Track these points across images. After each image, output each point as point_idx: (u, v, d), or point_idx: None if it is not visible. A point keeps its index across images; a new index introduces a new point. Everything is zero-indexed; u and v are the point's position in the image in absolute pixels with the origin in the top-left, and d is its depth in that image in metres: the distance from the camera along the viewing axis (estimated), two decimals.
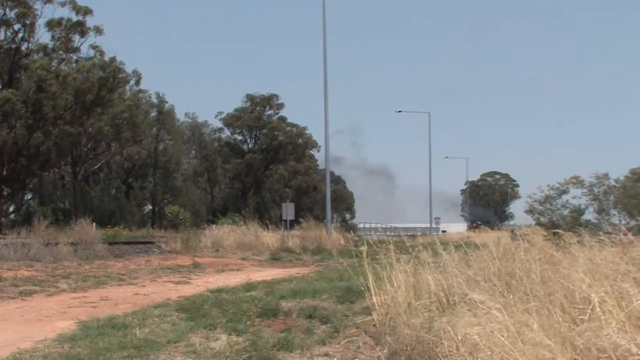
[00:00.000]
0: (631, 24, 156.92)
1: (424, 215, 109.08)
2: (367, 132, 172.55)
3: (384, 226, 70.95)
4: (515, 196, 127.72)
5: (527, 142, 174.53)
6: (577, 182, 20.33)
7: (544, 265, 8.50)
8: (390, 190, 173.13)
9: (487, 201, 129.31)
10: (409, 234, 57.99)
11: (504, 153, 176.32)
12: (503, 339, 5.60)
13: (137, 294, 15.76)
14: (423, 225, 76.25)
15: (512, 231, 22.43)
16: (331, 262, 26.51)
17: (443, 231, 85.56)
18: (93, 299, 14.59)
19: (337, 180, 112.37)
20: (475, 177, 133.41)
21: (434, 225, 73.80)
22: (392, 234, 60.78)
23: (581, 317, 6.11)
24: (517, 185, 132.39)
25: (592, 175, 20.39)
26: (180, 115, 77.29)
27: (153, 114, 67.39)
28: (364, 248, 10.35)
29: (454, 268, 9.17)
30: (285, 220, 38.95)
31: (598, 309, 6.06)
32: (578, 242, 9.00)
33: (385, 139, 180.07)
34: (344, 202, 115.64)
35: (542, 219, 21.03)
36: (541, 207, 21.10)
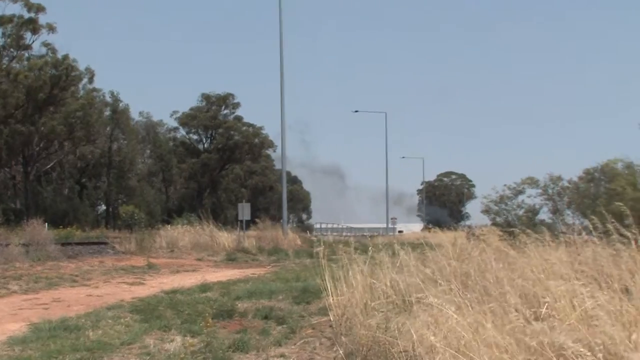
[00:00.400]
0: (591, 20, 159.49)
1: (377, 215, 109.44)
2: (317, 131, 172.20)
3: (340, 226, 71.15)
4: (471, 196, 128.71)
5: (483, 143, 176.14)
6: (532, 182, 20.63)
7: (499, 265, 8.59)
8: (341, 190, 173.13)
9: (444, 201, 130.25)
10: (365, 234, 58.25)
11: (460, 153, 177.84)
12: (458, 339, 5.64)
13: (90, 295, 15.59)
14: (380, 226, 76.59)
15: (468, 231, 22.64)
16: (287, 263, 26.55)
17: (399, 231, 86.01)
18: (45, 301, 14.40)
19: (293, 181, 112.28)
20: (431, 177, 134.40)
21: (390, 226, 74.15)
22: (349, 234, 60.97)
23: (535, 316, 6.18)
24: (474, 186, 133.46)
25: (545, 176, 20.76)
26: (134, 115, 76.56)
27: (107, 112, 66.62)
28: (320, 248, 10.37)
29: (410, 268, 9.21)
30: (241, 221, 38.79)
31: (547, 310, 6.13)
32: (532, 242, 9.11)
33: (336, 138, 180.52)
34: (300, 202, 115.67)
35: (497, 219, 21.28)
36: (497, 207, 21.35)
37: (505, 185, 21.80)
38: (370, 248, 10.01)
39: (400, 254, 9.75)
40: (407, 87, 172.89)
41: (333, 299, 9.62)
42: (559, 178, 19.73)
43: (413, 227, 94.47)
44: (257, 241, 35.45)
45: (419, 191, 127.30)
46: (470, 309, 6.40)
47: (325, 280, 9.86)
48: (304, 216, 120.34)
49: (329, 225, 68.89)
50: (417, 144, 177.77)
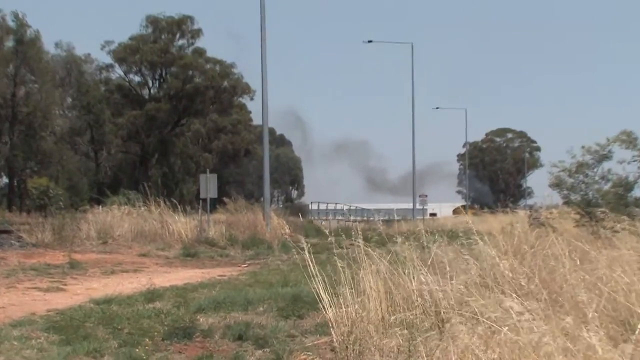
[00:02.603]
0: None
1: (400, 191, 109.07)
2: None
3: (346, 208, 71.02)
4: (535, 164, 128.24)
5: (551, 91, 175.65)
6: (627, 140, 20.09)
7: (575, 263, 8.60)
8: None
9: (495, 171, 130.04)
10: (383, 218, 58.18)
11: (518, 105, 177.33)
12: None
13: None
14: (403, 206, 76.56)
15: (531, 214, 22.59)
16: (271, 260, 26.60)
17: (432, 214, 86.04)
18: None
19: (279, 142, 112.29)
20: (478, 136, 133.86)
21: (418, 207, 73.76)
22: (359, 218, 60.98)
23: (625, 336, 6.19)
24: (538, 149, 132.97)
25: None
26: (49, 47, 76.26)
27: (9, 43, 66.32)
28: (317, 240, 10.39)
29: (447, 267, 9.23)
30: (205, 200, 38.76)
31: None
32: (623, 229, 9.11)
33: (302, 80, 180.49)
34: (288, 172, 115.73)
35: (573, 196, 20.93)
36: (572, 180, 20.95)
37: (583, 147, 21.53)
38: (387, 238, 10.01)
39: (433, 246, 9.77)
40: (434, 14, 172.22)
41: (336, 311, 9.64)
42: None
43: (452, 208, 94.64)
44: (227, 229, 35.49)
45: (460, 157, 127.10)
46: (533, 325, 6.41)
47: (325, 283, 9.88)
48: (294, 193, 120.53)
49: (330, 206, 68.74)
50: (452, 94, 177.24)
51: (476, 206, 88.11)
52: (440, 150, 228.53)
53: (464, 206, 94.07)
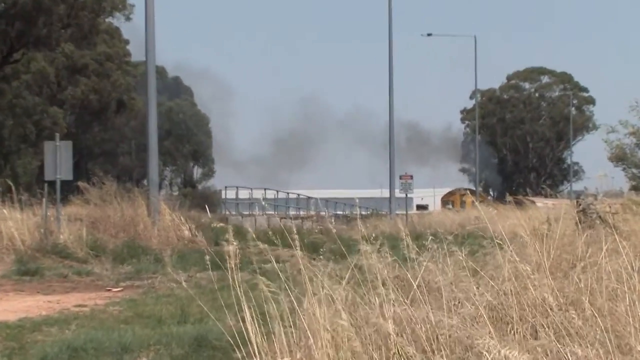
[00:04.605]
0: None
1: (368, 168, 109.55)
2: None
3: (285, 196, 70.99)
4: (586, 124, 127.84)
5: (607, 19, 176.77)
6: None
7: None
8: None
9: (522, 137, 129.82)
10: (340, 212, 58.60)
11: (558, 39, 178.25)
12: None
13: None
14: (375, 194, 77.05)
15: (579, 205, 22.75)
16: (160, 281, 26.59)
17: (421, 206, 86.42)
18: None
19: (174, 89, 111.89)
20: (495, 82, 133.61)
21: (399, 194, 72.78)
22: (303, 212, 61.33)
23: None
24: (591, 102, 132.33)
25: None
26: None
27: None
28: (235, 246, 10.37)
29: (442, 291, 9.28)
30: (53, 183, 38.66)
31: None
32: None
33: None
34: (189, 139, 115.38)
35: None
36: None
37: None
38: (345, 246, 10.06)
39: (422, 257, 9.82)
40: None
41: None
42: None
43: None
44: (90, 231, 35.41)
45: (465, 113, 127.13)
46: None
47: (245, 319, 9.89)
48: (198, 172, 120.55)
49: (256, 194, 68.47)
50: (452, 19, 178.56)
51: (490, 194, 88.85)
52: (432, 106, 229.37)
53: (462, 193, 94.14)
